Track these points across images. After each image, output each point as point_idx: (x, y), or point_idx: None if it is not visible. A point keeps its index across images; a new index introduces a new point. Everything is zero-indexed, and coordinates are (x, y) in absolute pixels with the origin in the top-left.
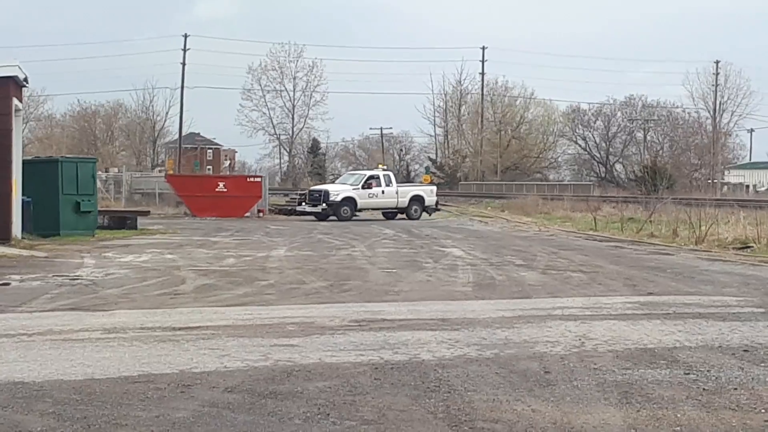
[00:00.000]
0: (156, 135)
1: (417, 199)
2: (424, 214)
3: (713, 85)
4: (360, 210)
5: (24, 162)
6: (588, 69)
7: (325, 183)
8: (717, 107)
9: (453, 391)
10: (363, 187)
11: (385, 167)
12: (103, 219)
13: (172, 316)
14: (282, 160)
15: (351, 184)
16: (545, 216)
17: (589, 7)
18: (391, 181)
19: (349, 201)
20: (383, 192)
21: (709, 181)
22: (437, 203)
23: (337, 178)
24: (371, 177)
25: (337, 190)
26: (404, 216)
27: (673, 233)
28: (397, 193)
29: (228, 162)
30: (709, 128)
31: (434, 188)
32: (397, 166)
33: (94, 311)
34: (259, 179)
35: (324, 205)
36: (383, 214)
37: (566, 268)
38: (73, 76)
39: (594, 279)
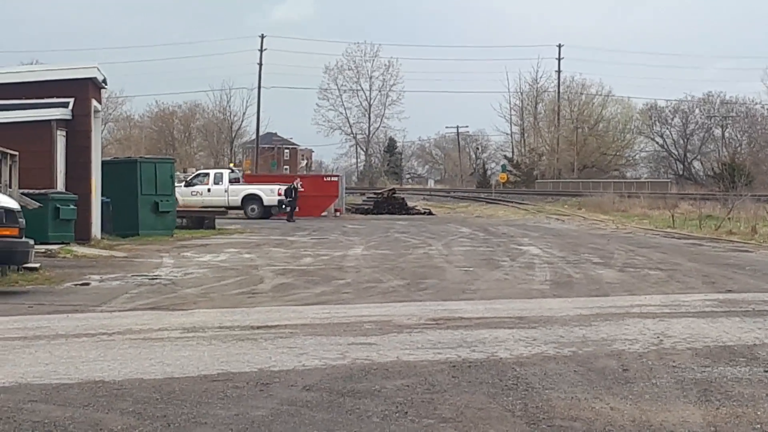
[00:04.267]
0: (233, 135)
1: (252, 198)
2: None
3: None
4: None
5: (103, 163)
6: (666, 66)
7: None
8: None
9: (531, 389)
10: (186, 185)
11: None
12: (182, 219)
13: (251, 315)
14: (358, 160)
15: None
16: (622, 214)
17: (665, 4)
18: (221, 180)
19: None
20: (209, 190)
21: None
22: (283, 203)
23: (413, 177)
24: (199, 175)
25: None
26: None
27: (752, 230)
28: (226, 191)
29: (305, 161)
30: None
31: (277, 188)
32: (474, 165)
33: (173, 310)
34: (335, 179)
35: None
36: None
37: (644, 265)
38: (151, 77)
39: (672, 276)
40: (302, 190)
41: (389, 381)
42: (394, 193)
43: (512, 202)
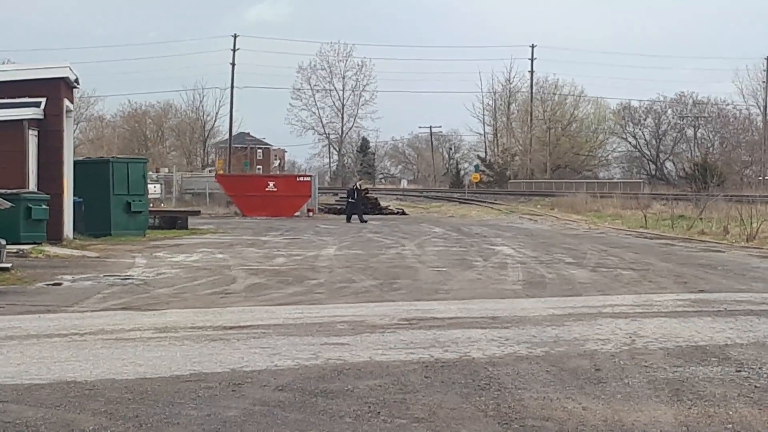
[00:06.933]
0: (206, 135)
1: None
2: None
3: (764, 82)
4: None
5: (75, 163)
6: (638, 66)
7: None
8: (767, 103)
9: (503, 389)
10: None
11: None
12: (154, 219)
13: (223, 315)
14: (331, 160)
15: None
16: (595, 214)
17: (638, 5)
18: None
19: None
20: None
21: (760, 177)
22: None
23: (386, 177)
24: None
25: None
26: None
27: (723, 230)
28: None
29: (278, 161)
30: (760, 125)
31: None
32: (447, 165)
33: (146, 311)
34: (308, 179)
35: None
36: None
37: (616, 265)
38: (123, 76)
39: (644, 276)
40: (277, 190)
41: (362, 381)
42: (367, 193)
43: (485, 202)
